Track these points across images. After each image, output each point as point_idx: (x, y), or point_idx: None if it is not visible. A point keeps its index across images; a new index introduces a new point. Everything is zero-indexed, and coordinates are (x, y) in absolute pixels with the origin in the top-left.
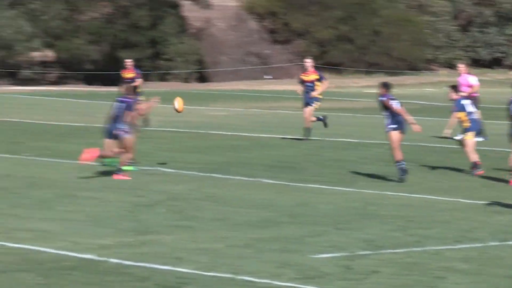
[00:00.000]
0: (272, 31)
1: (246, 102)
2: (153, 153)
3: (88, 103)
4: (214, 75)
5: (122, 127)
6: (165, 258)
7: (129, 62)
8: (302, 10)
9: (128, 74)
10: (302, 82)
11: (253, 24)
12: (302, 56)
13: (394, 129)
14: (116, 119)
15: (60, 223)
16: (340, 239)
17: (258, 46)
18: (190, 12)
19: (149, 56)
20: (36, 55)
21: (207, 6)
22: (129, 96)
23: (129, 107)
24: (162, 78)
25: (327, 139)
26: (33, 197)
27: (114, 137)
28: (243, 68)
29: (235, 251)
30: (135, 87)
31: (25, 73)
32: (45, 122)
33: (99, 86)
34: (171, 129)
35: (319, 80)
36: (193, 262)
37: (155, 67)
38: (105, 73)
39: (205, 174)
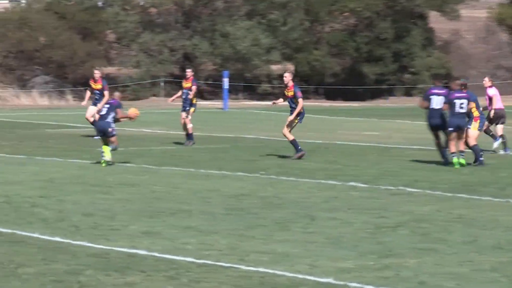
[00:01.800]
0: None
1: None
2: (399, 172)
3: (328, 119)
4: None
5: None
6: (408, 283)
7: (189, 72)
8: None
9: (186, 84)
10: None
11: (503, 36)
12: None
13: None
14: None
15: (298, 245)
16: None
17: (509, 59)
18: (437, 23)
19: (394, 70)
20: (275, 68)
21: (456, 17)
22: None
23: None
24: (407, 93)
25: None
26: (271, 217)
27: None
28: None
29: (481, 275)
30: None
31: (264, 87)
32: (283, 139)
33: (341, 101)
34: (416, 147)
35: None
36: (437, 287)
37: (400, 81)
38: (346, 87)
39: (453, 194)
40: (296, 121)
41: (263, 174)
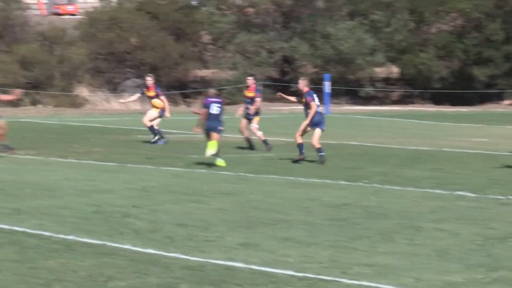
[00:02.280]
0: None
1: None
2: (509, 181)
3: (435, 125)
4: None
5: None
6: None
7: (250, 80)
8: None
9: (249, 93)
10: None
11: None
12: None
13: None
14: None
15: (403, 257)
16: None
17: None
18: None
19: (505, 73)
20: (379, 70)
21: None
22: None
23: None
24: None
25: None
26: (374, 228)
27: None
28: None
29: None
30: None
31: (367, 90)
32: (387, 146)
33: (448, 106)
34: None
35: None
36: None
37: (510, 86)
38: (454, 91)
39: None
40: (309, 128)
41: (366, 183)
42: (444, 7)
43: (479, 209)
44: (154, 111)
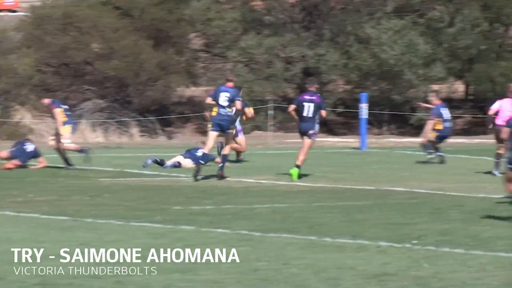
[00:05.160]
0: None
1: None
2: None
3: None
4: None
5: None
6: None
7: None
8: None
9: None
10: None
11: None
12: None
13: None
14: None
15: None
16: None
17: None
18: None
19: None
20: (437, 88)
21: None
22: None
23: None
24: None
25: None
26: None
27: None
28: None
29: None
30: None
31: (420, 116)
32: (448, 193)
33: None
34: None
35: None
36: None
37: None
38: None
39: None
40: None
41: (416, 244)
42: None
43: None
44: None
